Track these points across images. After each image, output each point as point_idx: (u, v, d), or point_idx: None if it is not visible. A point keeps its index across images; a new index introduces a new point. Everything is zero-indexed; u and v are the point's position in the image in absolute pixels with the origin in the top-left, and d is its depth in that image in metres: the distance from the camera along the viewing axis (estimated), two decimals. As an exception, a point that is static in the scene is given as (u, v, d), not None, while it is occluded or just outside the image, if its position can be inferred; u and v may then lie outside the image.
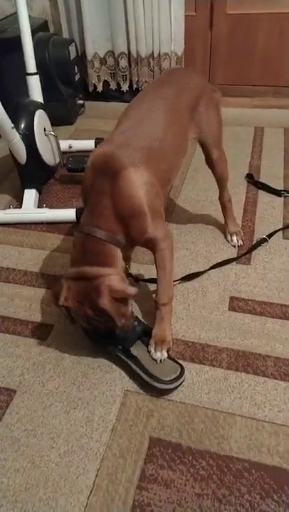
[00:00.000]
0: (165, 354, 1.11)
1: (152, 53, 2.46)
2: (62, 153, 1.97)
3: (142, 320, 1.20)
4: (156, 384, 1.07)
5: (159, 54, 2.45)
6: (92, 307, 1.01)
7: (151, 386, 1.07)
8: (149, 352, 1.12)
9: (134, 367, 1.12)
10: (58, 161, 1.92)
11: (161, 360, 1.11)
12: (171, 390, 1.08)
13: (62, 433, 1.02)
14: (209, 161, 1.40)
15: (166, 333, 1.14)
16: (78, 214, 1.66)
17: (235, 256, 1.47)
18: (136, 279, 1.37)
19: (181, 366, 1.11)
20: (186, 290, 1.36)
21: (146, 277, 1.40)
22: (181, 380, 1.08)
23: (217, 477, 0.93)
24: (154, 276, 1.15)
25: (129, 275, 1.31)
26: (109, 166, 1.02)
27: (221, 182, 1.47)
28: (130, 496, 0.91)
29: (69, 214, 1.68)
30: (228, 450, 0.97)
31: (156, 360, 1.11)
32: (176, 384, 1.07)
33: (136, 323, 1.15)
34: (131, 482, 0.93)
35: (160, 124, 1.12)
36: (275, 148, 2.09)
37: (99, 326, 1.05)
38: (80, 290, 1.02)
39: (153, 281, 1.25)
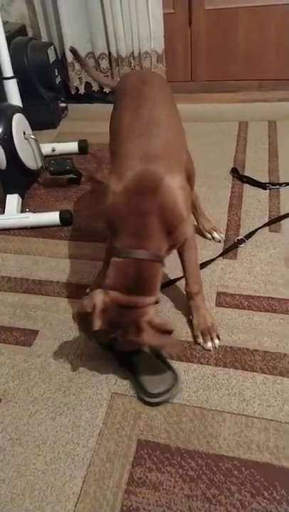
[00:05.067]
0: (217, 341, 1.15)
1: (132, 53, 2.44)
2: (46, 157, 1.95)
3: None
4: (144, 397, 1.04)
5: (140, 53, 2.43)
6: (129, 338, 0.97)
7: (141, 398, 1.05)
8: (199, 344, 1.16)
9: (131, 376, 1.10)
10: (40, 164, 1.90)
11: (215, 347, 1.14)
12: (159, 403, 1.04)
13: (48, 440, 1.00)
14: None
15: (207, 320, 1.18)
16: (62, 216, 1.64)
17: (221, 250, 1.45)
18: None
19: (176, 377, 1.06)
20: (172, 287, 1.34)
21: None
22: (171, 392, 1.04)
23: (206, 477, 0.90)
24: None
25: None
26: (148, 182, 0.97)
27: (190, 182, 1.39)
28: (118, 501, 0.88)
29: (53, 217, 1.66)
30: (217, 449, 0.94)
31: (209, 350, 1.14)
32: (164, 397, 1.03)
33: None
34: (119, 487, 0.90)
35: (164, 123, 1.08)
36: (260, 141, 2.07)
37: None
38: (116, 317, 0.97)
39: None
